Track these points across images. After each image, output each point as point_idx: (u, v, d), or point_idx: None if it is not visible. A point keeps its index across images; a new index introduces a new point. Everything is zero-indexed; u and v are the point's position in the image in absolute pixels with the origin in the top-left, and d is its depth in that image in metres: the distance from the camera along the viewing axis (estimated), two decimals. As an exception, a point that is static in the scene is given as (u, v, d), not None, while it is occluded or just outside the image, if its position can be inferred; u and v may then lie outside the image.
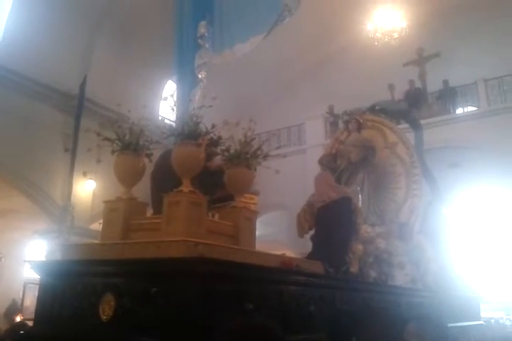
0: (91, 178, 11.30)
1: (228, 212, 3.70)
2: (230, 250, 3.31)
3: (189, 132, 3.28)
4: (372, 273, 5.76)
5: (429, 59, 14.24)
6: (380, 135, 7.52)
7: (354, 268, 4.94)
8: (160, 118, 13.44)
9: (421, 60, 14.39)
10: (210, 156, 4.14)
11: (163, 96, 14.14)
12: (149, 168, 4.04)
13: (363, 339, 4.24)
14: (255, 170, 3.96)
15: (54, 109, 11.46)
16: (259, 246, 3.90)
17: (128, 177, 3.63)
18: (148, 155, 3.76)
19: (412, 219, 7.23)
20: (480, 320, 8.41)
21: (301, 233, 5.47)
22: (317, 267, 4.49)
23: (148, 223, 3.37)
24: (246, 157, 3.78)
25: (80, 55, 12.19)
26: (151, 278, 3.05)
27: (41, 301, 3.61)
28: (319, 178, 5.43)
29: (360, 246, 6.54)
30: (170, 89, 14.32)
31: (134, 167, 3.59)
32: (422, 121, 12.98)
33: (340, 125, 8.94)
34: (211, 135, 3.86)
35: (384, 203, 7.25)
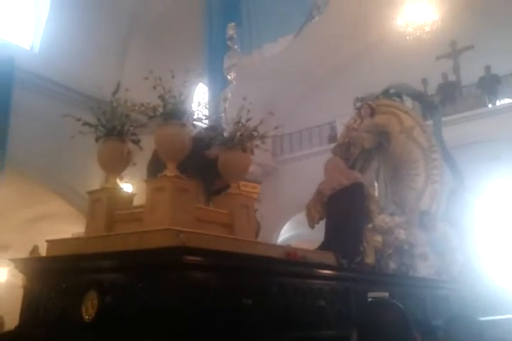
0: (127, 181, 11.19)
1: (223, 200, 3.39)
2: (222, 240, 2.99)
3: (172, 111, 2.97)
4: (392, 265, 5.37)
5: (463, 51, 13.70)
6: (395, 119, 7.10)
7: (369, 259, 4.57)
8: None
9: (454, 52, 13.88)
10: (208, 145, 3.86)
11: (195, 99, 14.14)
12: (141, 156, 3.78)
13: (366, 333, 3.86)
14: (252, 153, 3.65)
15: (89, 115, 11.38)
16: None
17: (112, 165, 3.35)
18: (136, 142, 3.47)
19: (433, 206, 6.80)
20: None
21: (312, 224, 5.12)
22: (329, 258, 4.15)
23: (133, 213, 3.07)
24: (240, 139, 3.45)
25: (112, 62, 12.18)
26: (134, 272, 2.76)
27: (26, 301, 3.34)
28: (329, 164, 5.08)
29: (378, 238, 6.18)
30: (201, 91, 14.21)
31: (118, 153, 3.31)
32: (458, 115, 12.74)
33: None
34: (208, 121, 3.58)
35: (402, 191, 6.84)
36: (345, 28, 14.62)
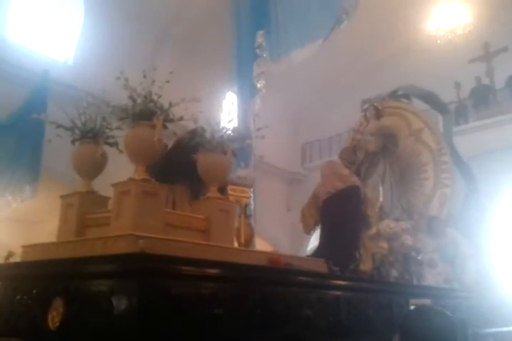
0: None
1: (200, 204, 3.25)
2: (194, 246, 2.85)
3: (140, 112, 2.86)
4: (394, 273, 5.14)
5: (497, 54, 13.36)
6: (403, 122, 6.88)
7: (365, 266, 4.36)
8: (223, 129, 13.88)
9: (488, 55, 13.55)
10: (195, 149, 3.73)
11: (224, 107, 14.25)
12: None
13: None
14: (235, 156, 3.51)
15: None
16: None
17: (86, 169, 3.26)
18: (112, 144, 3.38)
19: (443, 212, 6.55)
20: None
21: (307, 230, 4.94)
22: (320, 265, 3.97)
23: (102, 217, 2.97)
24: (220, 141, 3.32)
25: (145, 73, 12.50)
26: (96, 279, 2.65)
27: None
28: (325, 168, 4.90)
29: (383, 244, 5.95)
30: (230, 100, 14.18)
31: (92, 156, 3.21)
32: (492, 119, 12.51)
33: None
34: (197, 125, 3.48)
35: (410, 195, 6.61)
36: (374, 34, 14.47)
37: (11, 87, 9.27)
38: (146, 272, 2.43)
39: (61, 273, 2.87)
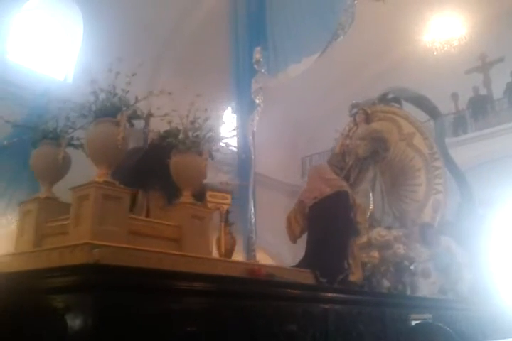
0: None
1: (172, 211, 2.96)
2: (162, 256, 2.56)
3: (103, 107, 2.58)
4: (386, 283, 4.86)
5: (493, 64, 13.35)
6: (394, 126, 6.65)
7: (355, 277, 4.07)
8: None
9: (484, 65, 13.53)
10: (169, 149, 3.46)
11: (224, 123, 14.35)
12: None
13: None
14: (211, 158, 3.23)
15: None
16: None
17: (46, 172, 2.97)
18: (77, 146, 3.09)
19: (436, 219, 6.29)
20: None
21: (292, 238, 4.65)
22: (305, 276, 3.69)
23: (61, 225, 2.67)
24: (195, 141, 3.05)
25: (143, 90, 12.55)
26: (51, 294, 2.34)
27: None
28: (311, 171, 4.64)
29: (375, 253, 5.69)
30: (229, 115, 14.15)
31: (52, 159, 2.92)
32: (491, 129, 12.38)
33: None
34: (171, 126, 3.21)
35: (402, 202, 6.34)
36: (371, 46, 14.37)
37: (11, 106, 9.08)
38: (103, 286, 2.14)
39: (12, 289, 2.56)
